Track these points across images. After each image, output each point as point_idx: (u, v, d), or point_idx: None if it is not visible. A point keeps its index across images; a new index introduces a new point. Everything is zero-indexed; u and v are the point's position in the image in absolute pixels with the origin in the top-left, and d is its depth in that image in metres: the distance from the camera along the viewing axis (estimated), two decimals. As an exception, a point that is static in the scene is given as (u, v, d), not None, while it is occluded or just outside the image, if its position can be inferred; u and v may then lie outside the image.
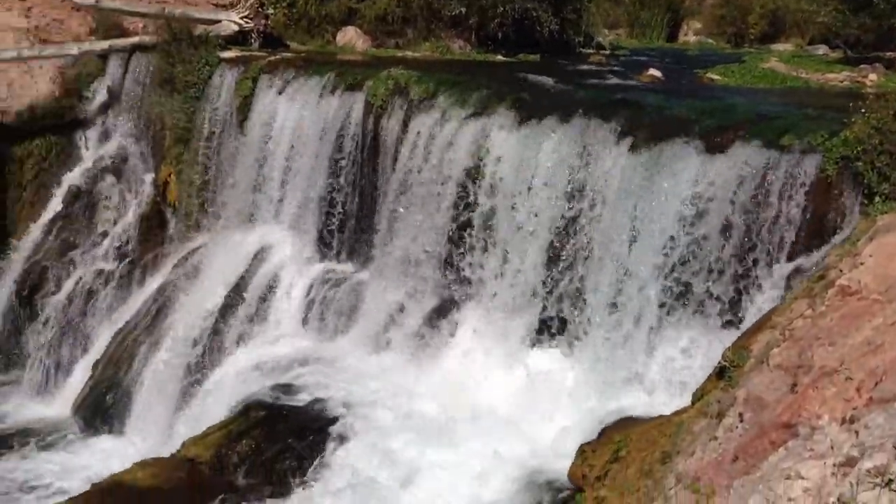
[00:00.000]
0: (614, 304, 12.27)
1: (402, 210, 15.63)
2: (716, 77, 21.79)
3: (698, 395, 9.39)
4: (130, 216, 21.79)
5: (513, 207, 13.82)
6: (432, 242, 15.02)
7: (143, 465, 11.93)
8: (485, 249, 14.31)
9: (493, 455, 11.43)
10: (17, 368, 20.86)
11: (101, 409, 18.22)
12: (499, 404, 12.68)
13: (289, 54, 21.52)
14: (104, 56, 22.75)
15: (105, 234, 21.77)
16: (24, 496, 15.77)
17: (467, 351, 13.90)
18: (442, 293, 14.89)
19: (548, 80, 17.61)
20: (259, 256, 17.74)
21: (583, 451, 10.18)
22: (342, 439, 11.90)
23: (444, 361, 14.04)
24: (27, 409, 19.59)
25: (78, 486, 14.06)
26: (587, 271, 12.83)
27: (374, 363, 14.41)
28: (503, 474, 11.19)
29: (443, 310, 14.58)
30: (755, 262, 11.17)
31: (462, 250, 14.61)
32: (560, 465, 10.69)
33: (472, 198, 14.49)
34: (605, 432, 10.43)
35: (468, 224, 14.52)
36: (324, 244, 17.34)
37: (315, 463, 11.51)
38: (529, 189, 13.62)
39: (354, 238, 17.10)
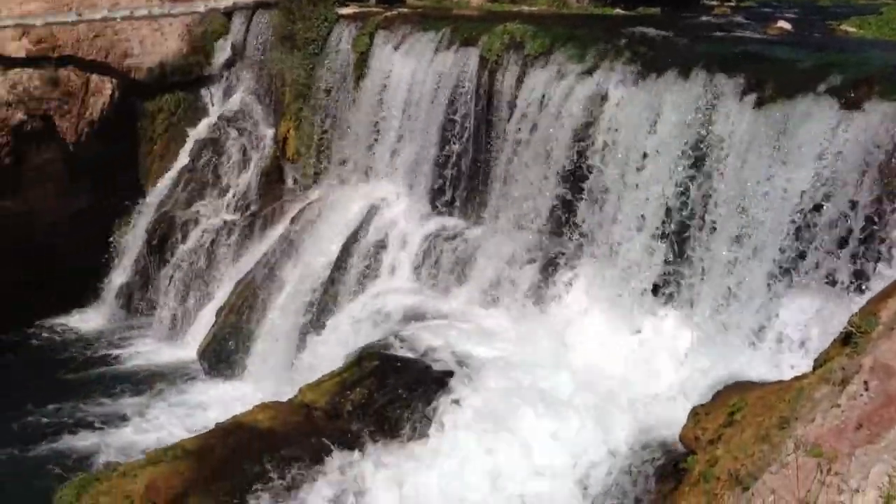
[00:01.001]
0: (733, 266, 11.88)
1: (516, 166, 15.55)
2: (851, 29, 20.59)
3: (821, 362, 9.04)
4: (251, 170, 22.52)
5: (630, 165, 13.51)
6: (547, 199, 14.89)
7: (262, 407, 12.45)
8: (601, 208, 14.07)
9: (605, 416, 11.37)
10: (147, 313, 22.06)
11: (224, 355, 19.10)
12: (611, 364, 12.56)
13: (405, 10, 21.58)
14: (228, 14, 23.47)
15: (228, 187, 22.61)
16: (153, 434, 16.80)
17: (580, 310, 13.78)
18: (555, 251, 14.78)
19: (668, 34, 17.01)
20: (374, 210, 18.06)
21: (696, 414, 10.00)
22: (451, 394, 12.06)
23: (556, 319, 13.97)
24: (157, 351, 20.72)
25: (202, 425, 14.82)
26: (706, 232, 12.45)
27: (485, 319, 14.51)
28: (615, 435, 11.13)
29: (556, 268, 14.48)
30: (886, 224, 10.57)
31: (577, 208, 14.43)
32: (672, 428, 10.55)
33: (588, 155, 14.26)
34: (719, 395, 10.20)
35: (584, 181, 14.31)
36: (437, 199, 17.48)
37: (424, 415, 11.72)
38: (647, 146, 13.25)
39: (468, 194, 17.17)
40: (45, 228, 21.71)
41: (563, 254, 14.63)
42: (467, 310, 15.12)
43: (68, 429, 16.88)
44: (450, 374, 12.32)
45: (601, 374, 12.34)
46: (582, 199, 14.34)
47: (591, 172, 14.17)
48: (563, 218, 14.76)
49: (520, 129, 15.44)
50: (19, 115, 20.68)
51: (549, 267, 14.54)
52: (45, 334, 21.63)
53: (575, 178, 14.47)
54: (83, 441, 16.43)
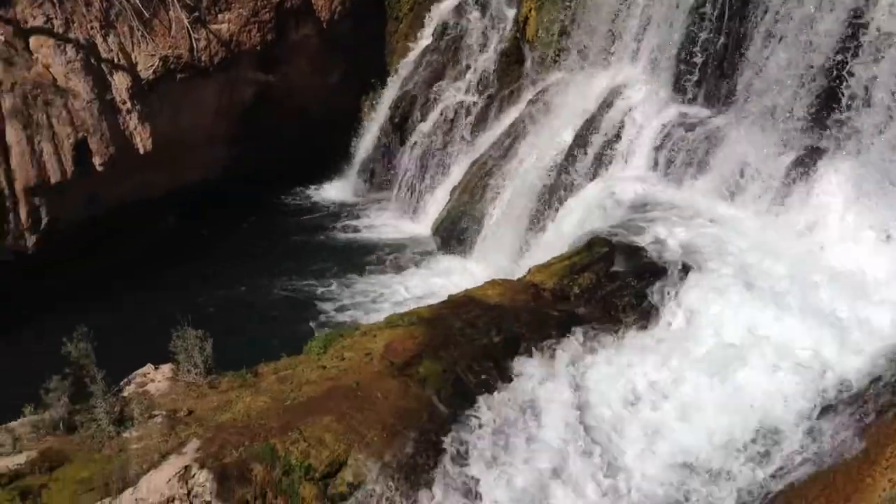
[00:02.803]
0: None
1: (772, 53, 14.38)
2: None
3: None
4: (491, 51, 22.50)
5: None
6: (804, 90, 13.71)
7: (492, 284, 12.87)
8: (865, 100, 12.77)
9: (857, 323, 10.67)
10: (387, 189, 23.25)
11: (456, 232, 19.83)
12: (862, 267, 11.65)
13: None
14: None
15: (468, 68, 22.81)
16: (389, 300, 17.99)
17: (830, 208, 12.79)
18: (809, 145, 13.68)
19: None
20: (613, 96, 17.54)
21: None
22: (680, 285, 11.79)
23: (800, 217, 13.10)
24: (395, 225, 21.92)
25: (436, 296, 15.64)
26: None
27: (723, 212, 13.87)
28: (866, 344, 10.44)
29: (808, 163, 13.44)
30: None
31: (837, 99, 13.17)
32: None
33: (854, 42, 12.87)
34: None
35: (846, 70, 12.99)
36: (680, 86, 16.62)
37: (652, 305, 11.58)
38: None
39: (714, 81, 16.16)
40: (301, 103, 23.24)
41: (818, 149, 13.52)
42: (705, 202, 14.49)
43: (318, 288, 18.51)
44: (682, 265, 12.00)
45: (855, 279, 11.49)
46: (846, 91, 13.04)
47: (856, 59, 12.80)
48: (821, 111, 13.52)
49: (778, 13, 14.17)
50: (282, -7, 21.97)
51: (801, 161, 13.52)
52: (299, 202, 23.53)
53: (836, 66, 13.15)
54: (329, 300, 17.97)
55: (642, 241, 12.89)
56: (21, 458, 9.28)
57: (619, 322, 11.64)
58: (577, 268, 12.65)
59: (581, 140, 17.44)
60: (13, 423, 10.09)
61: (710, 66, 16.20)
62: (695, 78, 16.42)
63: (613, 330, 11.47)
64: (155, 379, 10.90)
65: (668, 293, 11.60)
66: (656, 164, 15.87)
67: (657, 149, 16.00)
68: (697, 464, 10.07)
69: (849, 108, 13.05)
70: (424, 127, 22.54)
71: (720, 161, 14.89)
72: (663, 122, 16.40)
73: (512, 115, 21.01)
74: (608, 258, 12.59)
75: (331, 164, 24.12)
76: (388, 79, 23.83)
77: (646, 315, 11.54)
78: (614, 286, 12.04)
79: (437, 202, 21.29)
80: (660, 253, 12.42)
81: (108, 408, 9.99)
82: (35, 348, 15.03)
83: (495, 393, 10.45)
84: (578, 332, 11.41)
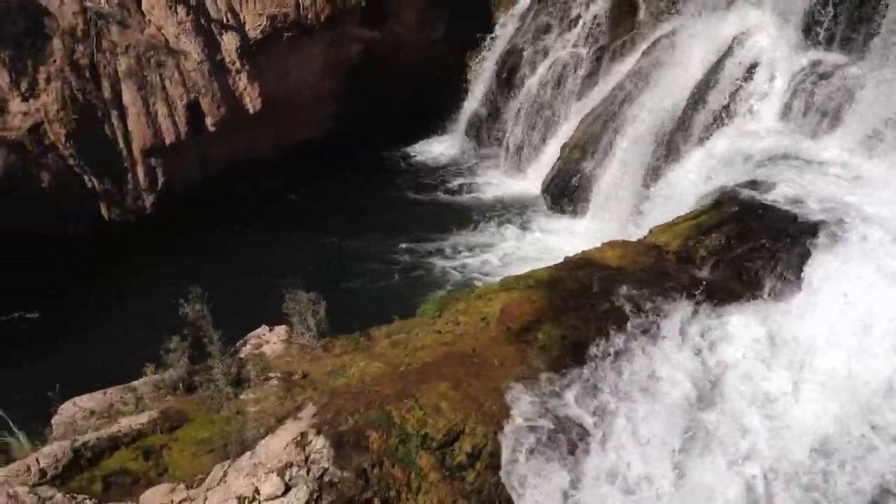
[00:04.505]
0: None
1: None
2: None
3: None
4: (600, 1, 21.53)
5: None
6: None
7: (611, 245, 12.22)
8: None
9: None
10: (495, 145, 22.74)
11: (567, 190, 19.18)
12: None
13: None
14: None
15: (577, 19, 21.92)
16: (501, 262, 17.57)
17: None
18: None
19: None
20: (737, 43, 16.38)
21: None
22: (822, 248, 10.84)
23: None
24: (503, 184, 21.43)
25: (548, 257, 15.11)
26: None
27: (864, 169, 12.79)
28: None
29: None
30: None
31: None
32: None
33: None
34: None
35: None
36: (812, 31, 15.36)
37: (789, 269, 10.71)
38: None
39: (850, 25, 14.85)
40: (406, 59, 22.89)
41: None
42: (841, 157, 13.43)
43: (426, 247, 18.27)
44: (823, 226, 11.05)
45: None
46: None
47: None
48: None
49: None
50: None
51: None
52: (405, 160, 23.31)
53: None
54: (439, 260, 17.70)
55: (776, 199, 11.97)
56: (143, 418, 9.36)
57: (751, 288, 10.82)
58: (705, 228, 11.86)
59: (702, 91, 16.42)
60: (136, 383, 10.22)
61: (845, 8, 14.90)
62: (828, 21, 15.15)
63: (744, 296, 10.67)
64: (270, 340, 10.84)
65: (807, 258, 10.69)
66: (787, 115, 14.80)
67: (788, 100, 14.91)
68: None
69: None
70: (533, 82, 21.86)
71: (858, 113, 13.73)
72: (795, 70, 15.25)
73: (625, 67, 20.07)
74: (740, 218, 11.74)
75: (437, 121, 23.79)
76: (495, 33, 23.18)
77: (781, 280, 10.68)
78: (746, 248, 11.17)
79: (546, 159, 20.67)
80: (797, 213, 11.47)
81: (226, 369, 9.98)
82: (155, 309, 15.36)
83: (616, 360, 9.91)
84: (705, 297, 10.66)
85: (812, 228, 11.05)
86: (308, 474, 8.23)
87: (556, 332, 10.12)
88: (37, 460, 8.44)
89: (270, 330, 11.05)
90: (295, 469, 8.26)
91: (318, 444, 8.49)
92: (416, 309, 11.32)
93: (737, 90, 15.77)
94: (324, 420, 8.81)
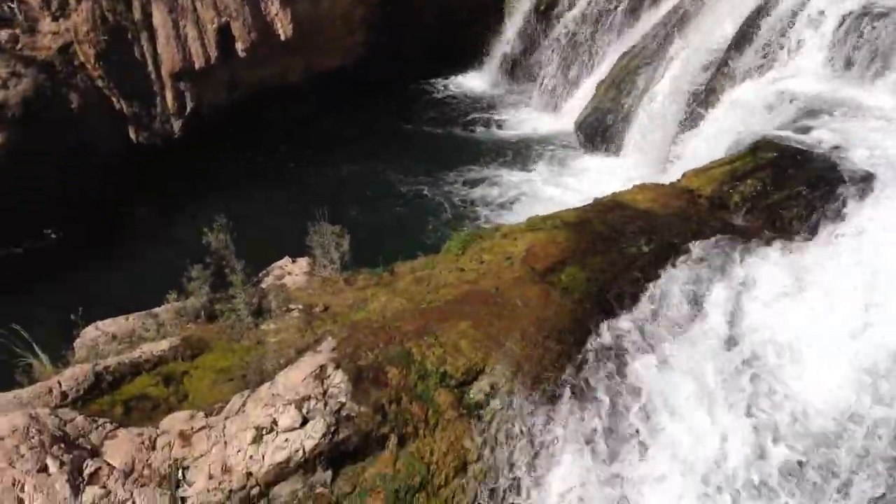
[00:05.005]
0: None
1: None
2: None
3: None
4: (646, -67, 20.69)
5: None
6: None
7: (642, 188, 11.92)
8: None
9: None
10: (529, 81, 22.23)
11: (601, 129, 18.74)
12: None
13: None
14: None
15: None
16: (530, 201, 17.28)
17: None
18: None
19: None
20: (785, -20, 15.71)
21: None
22: (862, 196, 10.47)
23: None
24: (536, 120, 20.99)
25: (577, 197, 14.84)
26: None
27: (915, 117, 12.28)
28: None
29: None
30: None
31: None
32: None
33: None
34: None
35: None
36: (866, -30, 14.68)
37: (827, 218, 10.37)
38: None
39: (908, -36, 14.16)
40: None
41: None
42: (889, 103, 12.90)
43: (454, 183, 18.03)
44: (864, 175, 10.64)
45: None
46: None
47: None
48: None
49: None
50: None
51: None
52: (437, 93, 22.91)
53: None
54: (466, 196, 17.48)
55: (817, 146, 11.54)
56: (165, 345, 9.38)
57: (785, 236, 10.51)
58: (740, 174, 11.50)
59: (745, 32, 15.79)
60: (158, 309, 10.22)
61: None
62: (884, -43, 14.43)
63: (778, 245, 10.37)
64: (292, 272, 10.76)
65: (848, 209, 10.32)
66: (834, 59, 14.19)
67: (836, 42, 14.28)
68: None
69: None
70: (571, 16, 21.24)
71: (912, 57, 13.15)
72: (844, 12, 14.56)
73: (668, 4, 19.39)
74: (777, 164, 11.35)
75: (471, 54, 23.28)
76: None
77: (817, 231, 10.36)
78: (782, 196, 10.82)
79: (581, 97, 20.18)
80: (839, 161, 11.06)
81: (247, 298, 9.93)
82: (180, 235, 15.39)
83: (644, 306, 9.73)
84: (738, 244, 10.38)
85: (853, 177, 10.65)
86: (325, 408, 8.21)
87: (582, 275, 9.94)
88: (58, 383, 8.49)
89: (293, 261, 10.97)
90: (313, 402, 8.24)
91: (337, 378, 8.45)
92: (441, 245, 11.18)
93: (782, 31, 15.14)
94: (343, 354, 8.76)
